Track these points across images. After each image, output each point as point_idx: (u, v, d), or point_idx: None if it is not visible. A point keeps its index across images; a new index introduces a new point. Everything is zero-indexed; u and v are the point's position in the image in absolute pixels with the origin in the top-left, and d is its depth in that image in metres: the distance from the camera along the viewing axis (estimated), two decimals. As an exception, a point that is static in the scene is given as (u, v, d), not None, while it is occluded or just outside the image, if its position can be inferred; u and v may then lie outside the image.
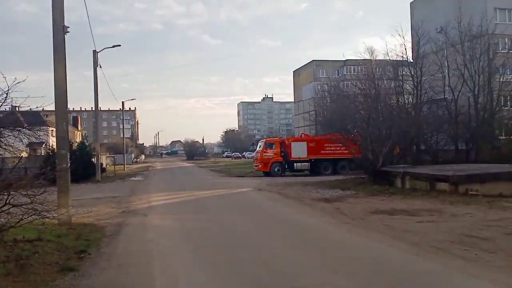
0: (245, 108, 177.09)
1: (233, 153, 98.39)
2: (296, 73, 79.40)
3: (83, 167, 26.89)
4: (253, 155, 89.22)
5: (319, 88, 62.03)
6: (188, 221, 10.77)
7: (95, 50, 28.69)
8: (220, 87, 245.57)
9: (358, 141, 20.84)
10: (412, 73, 29.00)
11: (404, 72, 30.43)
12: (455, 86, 27.09)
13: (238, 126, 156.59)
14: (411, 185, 16.94)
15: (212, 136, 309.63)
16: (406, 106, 27.97)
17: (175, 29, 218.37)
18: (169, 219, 11.04)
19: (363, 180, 20.24)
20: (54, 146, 39.93)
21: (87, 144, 33.73)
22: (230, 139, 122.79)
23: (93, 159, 29.40)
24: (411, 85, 29.52)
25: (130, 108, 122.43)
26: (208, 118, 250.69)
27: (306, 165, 30.16)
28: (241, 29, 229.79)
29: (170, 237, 8.77)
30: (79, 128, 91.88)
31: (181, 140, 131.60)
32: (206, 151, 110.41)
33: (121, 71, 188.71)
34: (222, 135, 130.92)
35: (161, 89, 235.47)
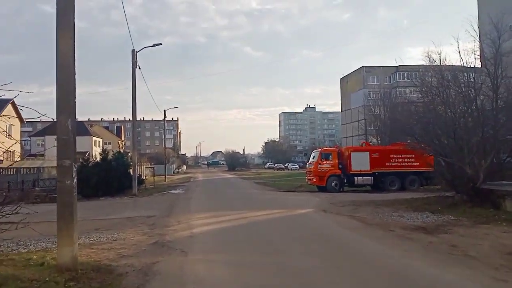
0: (287, 118, 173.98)
1: (276, 164, 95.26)
2: (344, 80, 75.19)
3: (118, 179, 24.35)
4: (296, 166, 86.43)
5: (369, 95, 57.79)
6: (247, 269, 7.00)
7: (134, 50, 26.38)
8: (261, 98, 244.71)
9: (445, 152, 16.69)
10: (490, 73, 24.60)
11: (476, 75, 26.03)
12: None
13: (279, 136, 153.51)
14: (530, 210, 12.81)
15: (252, 146, 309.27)
16: (480, 112, 23.66)
17: (218, 41, 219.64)
18: (218, 265, 7.33)
19: (453, 200, 16.12)
20: (94, 155, 37.98)
21: (126, 153, 31.45)
22: (271, 150, 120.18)
23: (130, 170, 26.69)
24: (486, 88, 25.16)
25: (172, 119, 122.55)
26: (248, 129, 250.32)
27: (369, 179, 26.13)
28: (283, 41, 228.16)
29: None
30: (123, 138, 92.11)
31: (222, 151, 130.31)
32: (247, 161, 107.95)
33: (165, 82, 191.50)
34: (263, 145, 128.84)
35: (203, 101, 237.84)
